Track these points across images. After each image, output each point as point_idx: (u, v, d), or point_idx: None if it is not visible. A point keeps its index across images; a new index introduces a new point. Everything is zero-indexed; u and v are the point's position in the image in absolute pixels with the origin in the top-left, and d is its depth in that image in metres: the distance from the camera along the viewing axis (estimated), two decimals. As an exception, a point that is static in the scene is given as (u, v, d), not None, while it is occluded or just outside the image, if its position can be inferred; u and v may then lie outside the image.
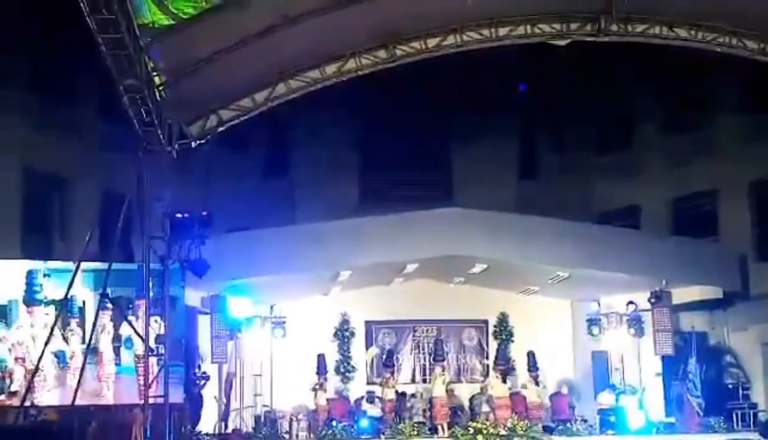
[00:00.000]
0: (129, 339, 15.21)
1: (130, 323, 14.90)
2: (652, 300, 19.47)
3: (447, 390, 18.89)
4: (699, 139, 22.42)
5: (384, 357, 19.87)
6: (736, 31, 15.63)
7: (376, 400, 19.05)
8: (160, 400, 13.56)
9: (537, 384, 19.03)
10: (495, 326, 21.17)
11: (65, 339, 15.31)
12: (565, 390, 19.84)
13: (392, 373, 19.33)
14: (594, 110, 23.43)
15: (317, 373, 18.87)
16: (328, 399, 18.94)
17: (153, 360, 13.67)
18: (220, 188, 20.65)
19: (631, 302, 19.74)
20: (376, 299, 20.45)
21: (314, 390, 18.63)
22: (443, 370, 19.13)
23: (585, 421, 18.35)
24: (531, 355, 19.17)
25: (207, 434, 17.10)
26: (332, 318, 20.55)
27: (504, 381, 18.97)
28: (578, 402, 19.93)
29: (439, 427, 18.14)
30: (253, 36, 13.55)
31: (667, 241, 20.71)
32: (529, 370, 19.09)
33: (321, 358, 19.04)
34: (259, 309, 18.85)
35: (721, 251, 21.01)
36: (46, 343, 14.22)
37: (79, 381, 14.05)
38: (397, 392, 19.11)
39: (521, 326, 20.97)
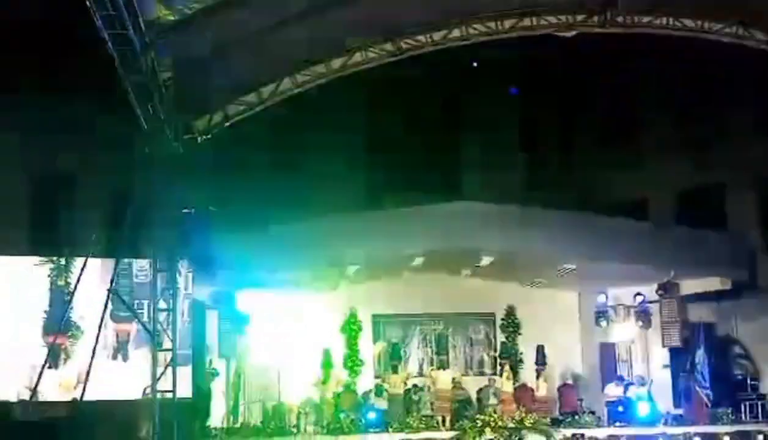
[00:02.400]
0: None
1: (138, 318, 14.96)
2: (660, 292, 19.42)
3: (453, 384, 18.94)
4: (707, 130, 22.33)
5: (391, 350, 19.88)
6: (743, 21, 15.57)
7: (384, 393, 19.07)
8: (169, 395, 13.65)
9: (539, 376, 19.01)
10: (502, 319, 21.16)
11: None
12: (572, 383, 19.82)
13: (395, 367, 19.27)
14: (602, 102, 23.35)
15: (322, 368, 18.90)
16: (335, 393, 18.98)
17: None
18: (227, 183, 20.63)
19: (638, 294, 19.68)
20: (383, 293, 20.45)
21: (320, 384, 18.62)
22: (446, 364, 19.15)
23: (593, 413, 18.35)
24: (540, 349, 19.13)
25: (215, 428, 17.15)
26: (340, 312, 20.57)
27: (511, 374, 18.97)
28: (586, 394, 19.92)
29: (443, 420, 18.17)
30: (259, 31, 13.54)
31: (675, 233, 20.64)
32: (537, 364, 19.07)
33: (326, 352, 19.07)
34: (266, 304, 18.85)
35: (729, 242, 20.94)
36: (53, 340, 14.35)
37: (86, 376, 14.07)
38: (405, 385, 19.14)
39: (529, 319, 20.97)
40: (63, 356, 15.36)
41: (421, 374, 20.49)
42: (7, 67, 17.48)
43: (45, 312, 15.59)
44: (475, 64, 17.65)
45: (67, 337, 15.47)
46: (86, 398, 14.21)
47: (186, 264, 15.03)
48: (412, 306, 20.56)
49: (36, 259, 15.92)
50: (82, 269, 14.35)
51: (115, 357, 15.90)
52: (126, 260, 15.81)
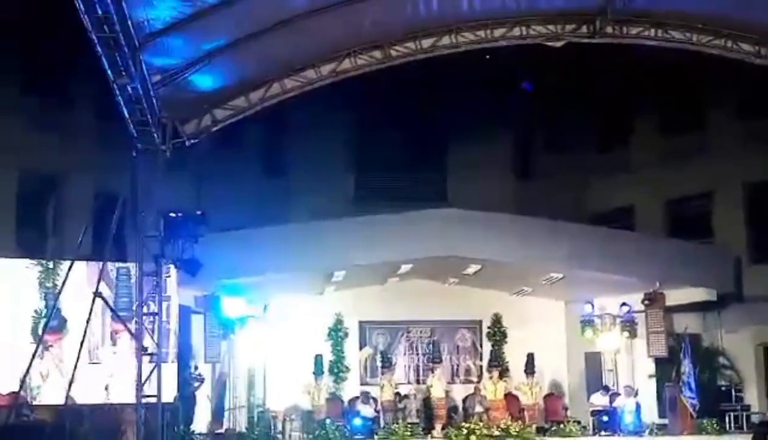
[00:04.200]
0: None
1: (122, 321, 14.89)
2: (646, 302, 19.52)
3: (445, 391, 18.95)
4: (694, 141, 22.45)
5: (380, 357, 19.85)
6: (731, 33, 15.65)
7: (371, 401, 19.03)
8: (153, 400, 13.58)
9: (526, 383, 19.01)
10: (489, 327, 21.16)
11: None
12: (558, 392, 19.78)
13: (381, 375, 19.21)
14: (589, 110, 23.43)
15: (314, 373, 18.84)
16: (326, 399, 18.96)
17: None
18: (214, 187, 20.62)
19: (624, 303, 19.73)
20: (370, 299, 20.40)
21: (310, 392, 18.59)
22: (440, 372, 19.14)
23: (578, 422, 18.35)
24: (530, 357, 19.10)
25: (200, 434, 17.08)
26: (326, 318, 20.52)
27: (498, 383, 18.96)
28: (571, 403, 19.92)
29: (437, 427, 18.15)
30: (248, 35, 13.52)
31: (662, 243, 20.74)
32: (526, 372, 19.04)
33: (318, 358, 19.03)
34: (252, 309, 18.79)
35: (715, 253, 21.05)
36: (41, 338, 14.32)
37: (71, 380, 13.99)
38: (394, 392, 19.10)
39: (515, 327, 20.97)
40: (53, 354, 15.45)
41: (407, 381, 20.50)
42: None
43: (36, 311, 15.71)
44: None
45: (58, 336, 15.49)
46: (79, 398, 14.27)
47: (171, 268, 14.99)
48: (399, 313, 20.52)
49: (27, 262, 15.99)
50: (68, 272, 14.28)
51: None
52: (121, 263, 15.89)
